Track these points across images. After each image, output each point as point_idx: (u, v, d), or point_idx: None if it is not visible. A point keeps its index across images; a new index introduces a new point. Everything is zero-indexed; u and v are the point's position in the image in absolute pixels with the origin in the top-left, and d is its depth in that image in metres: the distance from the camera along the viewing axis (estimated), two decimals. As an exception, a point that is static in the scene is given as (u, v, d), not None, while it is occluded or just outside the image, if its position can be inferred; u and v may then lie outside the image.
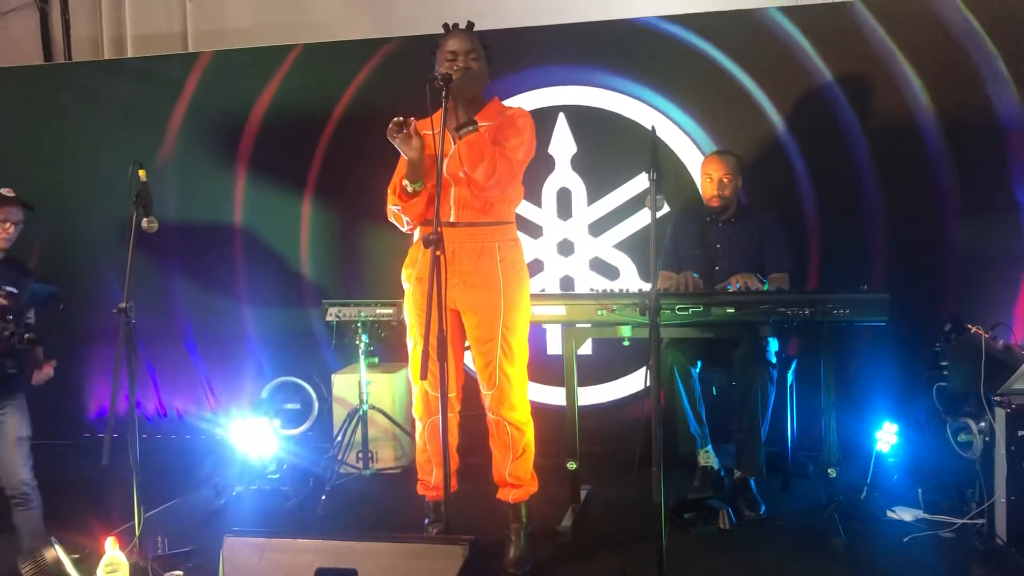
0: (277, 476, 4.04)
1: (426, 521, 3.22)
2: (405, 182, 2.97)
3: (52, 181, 5.16)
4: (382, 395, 4.32)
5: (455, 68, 2.90)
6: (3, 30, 5.58)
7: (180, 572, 2.88)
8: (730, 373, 3.73)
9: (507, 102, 3.18)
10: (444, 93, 2.72)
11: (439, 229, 2.59)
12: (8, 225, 3.50)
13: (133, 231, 3.21)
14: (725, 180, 3.84)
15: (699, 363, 3.70)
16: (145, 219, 3.58)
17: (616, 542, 3.25)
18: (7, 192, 3.56)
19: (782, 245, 3.87)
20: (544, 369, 4.37)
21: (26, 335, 3.32)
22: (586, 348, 4.49)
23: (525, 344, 3.12)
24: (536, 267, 4.61)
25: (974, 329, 3.31)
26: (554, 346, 4.53)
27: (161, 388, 5.03)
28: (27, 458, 3.33)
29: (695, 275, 3.66)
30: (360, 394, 4.15)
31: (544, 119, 4.49)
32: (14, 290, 3.31)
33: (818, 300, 3.24)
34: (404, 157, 2.95)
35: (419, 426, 3.17)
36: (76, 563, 2.93)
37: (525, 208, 4.56)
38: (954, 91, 4.13)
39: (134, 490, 3.09)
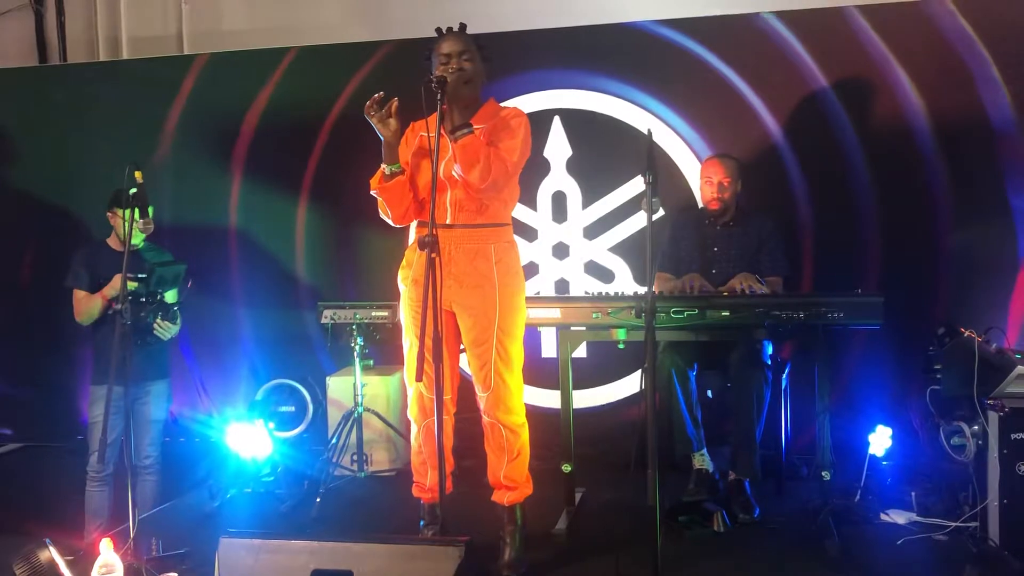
0: (272, 479, 4.03)
1: (421, 523, 3.21)
2: (384, 166, 2.97)
3: (47, 183, 5.15)
4: (377, 397, 4.31)
5: (449, 71, 2.91)
6: (-2, 32, 5.59)
7: (174, 574, 2.87)
8: (725, 376, 3.74)
9: (503, 105, 3.18)
10: (439, 96, 2.72)
11: (434, 231, 2.60)
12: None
13: (128, 233, 3.23)
14: (725, 183, 3.85)
15: (695, 366, 3.71)
16: (141, 220, 3.61)
17: (611, 545, 3.23)
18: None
19: (779, 249, 3.89)
20: (539, 372, 4.37)
21: (159, 314, 3.68)
22: (581, 351, 4.49)
23: (520, 347, 3.11)
24: (531, 270, 4.62)
25: (967, 333, 3.32)
26: (549, 349, 4.53)
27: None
28: (159, 436, 3.99)
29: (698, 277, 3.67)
30: (355, 396, 4.15)
31: (540, 122, 4.50)
32: (143, 275, 3.57)
33: (812, 303, 3.25)
34: (382, 139, 2.95)
35: (414, 428, 3.17)
36: (70, 564, 2.92)
37: (520, 211, 4.56)
38: (947, 95, 4.15)
39: (129, 492, 3.10)
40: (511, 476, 3.11)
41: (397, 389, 4.43)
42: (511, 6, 4.75)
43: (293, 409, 4.63)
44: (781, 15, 4.29)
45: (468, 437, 3.44)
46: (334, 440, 4.17)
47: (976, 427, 3.17)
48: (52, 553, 2.84)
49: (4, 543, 3.17)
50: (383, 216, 3.10)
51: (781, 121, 4.33)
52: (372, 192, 3.05)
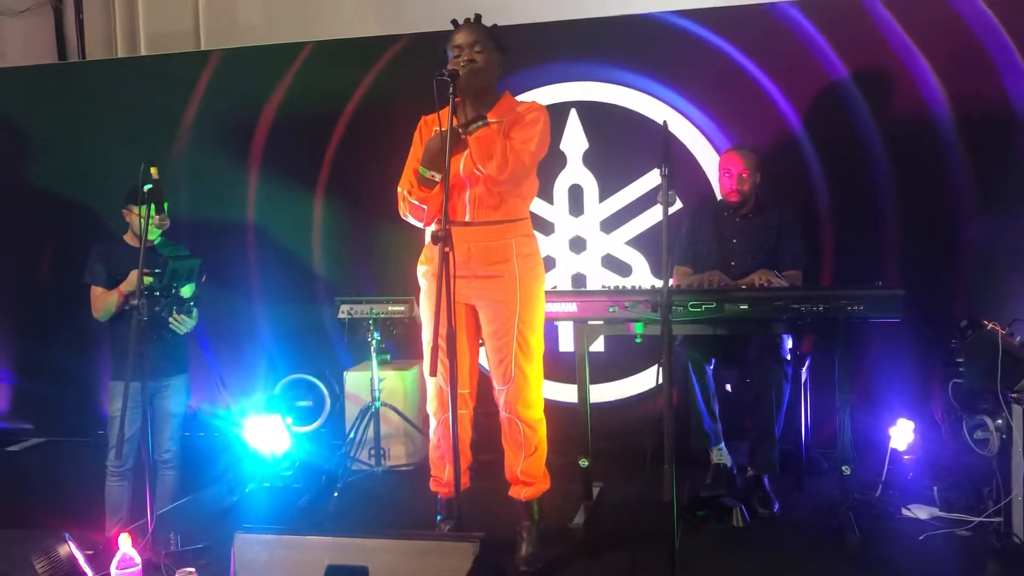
0: (290, 473, 4.04)
1: (438, 518, 3.22)
2: (422, 169, 2.88)
3: (66, 179, 5.18)
4: (394, 392, 4.31)
5: (460, 63, 2.89)
6: (18, 29, 5.62)
7: (192, 569, 2.88)
8: (744, 370, 3.71)
9: (519, 98, 3.15)
10: (451, 89, 2.69)
11: (447, 226, 2.58)
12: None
13: (144, 228, 3.24)
14: (744, 175, 3.82)
15: (713, 360, 3.68)
16: (156, 216, 3.62)
17: (628, 540, 3.23)
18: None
19: (798, 241, 3.85)
20: (557, 366, 4.34)
21: (175, 308, 3.69)
22: (598, 345, 4.47)
23: (541, 338, 3.10)
24: (548, 264, 4.59)
25: (990, 325, 3.28)
26: (566, 343, 4.51)
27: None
28: (179, 430, 3.97)
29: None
30: (372, 391, 4.15)
31: (556, 115, 4.43)
32: (158, 270, 3.57)
33: (832, 296, 3.21)
34: (429, 144, 2.88)
35: (434, 422, 3.16)
36: (89, 559, 2.94)
37: (537, 205, 4.54)
38: (969, 84, 4.09)
39: (147, 487, 3.11)
40: (528, 472, 3.10)
41: (414, 384, 4.42)
42: (527, -2, 4.72)
43: (311, 404, 4.64)
44: (799, 4, 4.24)
45: (486, 431, 3.43)
46: (351, 435, 4.17)
47: (1000, 421, 3.13)
48: (71, 547, 2.86)
49: (25, 537, 3.20)
50: (408, 217, 3.05)
51: (800, 112, 4.28)
52: (410, 197, 2.96)
